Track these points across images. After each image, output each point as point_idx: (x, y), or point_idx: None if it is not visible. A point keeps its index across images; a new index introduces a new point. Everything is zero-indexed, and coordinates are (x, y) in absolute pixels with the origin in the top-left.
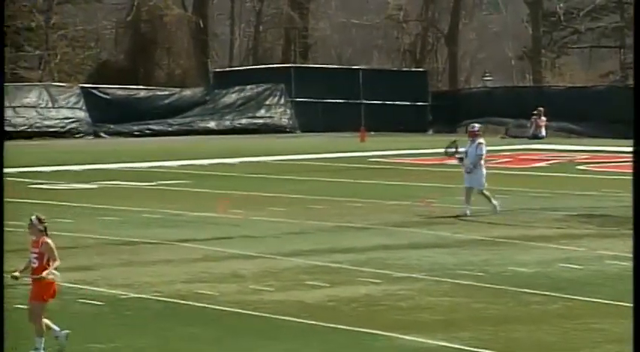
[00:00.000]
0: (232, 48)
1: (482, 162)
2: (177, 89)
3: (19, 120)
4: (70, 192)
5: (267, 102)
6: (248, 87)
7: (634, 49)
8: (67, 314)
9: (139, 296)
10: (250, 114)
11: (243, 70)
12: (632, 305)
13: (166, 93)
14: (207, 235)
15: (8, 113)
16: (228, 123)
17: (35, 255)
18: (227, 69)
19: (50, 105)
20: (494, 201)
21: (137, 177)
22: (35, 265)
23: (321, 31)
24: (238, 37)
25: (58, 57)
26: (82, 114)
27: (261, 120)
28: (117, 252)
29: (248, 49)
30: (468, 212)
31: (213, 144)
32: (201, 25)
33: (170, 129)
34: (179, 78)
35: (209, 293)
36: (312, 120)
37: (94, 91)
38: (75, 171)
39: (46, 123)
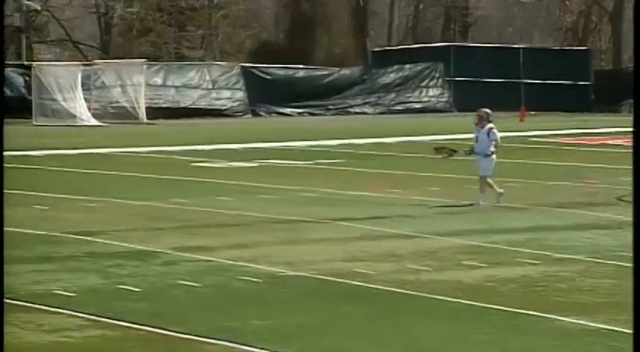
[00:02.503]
0: (391, 27)
1: (494, 148)
2: (336, 68)
3: (183, 97)
4: (230, 170)
5: (426, 82)
6: (406, 66)
7: (634, 49)
8: (229, 291)
9: (297, 273)
10: (408, 94)
11: (402, 49)
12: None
13: (325, 72)
14: (364, 214)
15: (170, 92)
16: (385, 102)
17: None
18: (385, 48)
19: (211, 85)
20: (499, 189)
21: (295, 156)
22: None
23: (482, 10)
24: (397, 15)
25: (220, 36)
26: (241, 94)
27: (418, 100)
28: (275, 230)
29: (407, 28)
30: (481, 202)
31: (371, 123)
32: (361, 4)
33: (328, 108)
34: (338, 57)
35: (366, 271)
36: (471, 99)
37: (254, 71)
38: (234, 150)
39: (207, 101)
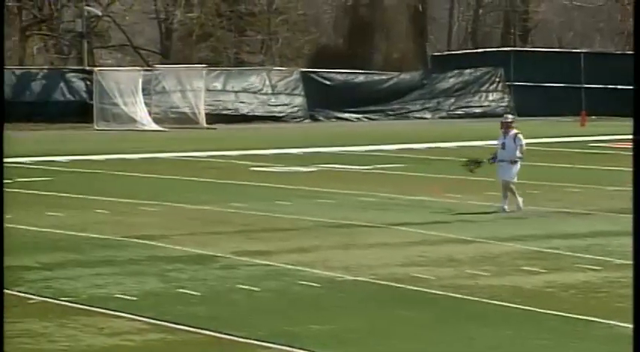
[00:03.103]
0: (451, 31)
1: (520, 154)
2: (395, 73)
3: (240, 105)
4: (289, 174)
5: (486, 87)
6: (466, 71)
7: (634, 49)
8: (288, 296)
9: (355, 278)
10: (468, 99)
11: (462, 53)
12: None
13: (384, 77)
14: (423, 219)
15: (230, 97)
16: (445, 107)
17: None
18: (445, 53)
19: (270, 90)
20: (519, 198)
21: (354, 161)
22: None
23: (542, 14)
24: (457, 20)
25: (279, 41)
26: (300, 99)
27: (478, 105)
28: (334, 234)
29: (467, 33)
30: (506, 207)
31: (430, 128)
32: (420, 9)
33: (387, 113)
34: (397, 62)
35: (425, 276)
36: (531, 104)
37: (313, 76)
38: (293, 155)
39: (266, 106)
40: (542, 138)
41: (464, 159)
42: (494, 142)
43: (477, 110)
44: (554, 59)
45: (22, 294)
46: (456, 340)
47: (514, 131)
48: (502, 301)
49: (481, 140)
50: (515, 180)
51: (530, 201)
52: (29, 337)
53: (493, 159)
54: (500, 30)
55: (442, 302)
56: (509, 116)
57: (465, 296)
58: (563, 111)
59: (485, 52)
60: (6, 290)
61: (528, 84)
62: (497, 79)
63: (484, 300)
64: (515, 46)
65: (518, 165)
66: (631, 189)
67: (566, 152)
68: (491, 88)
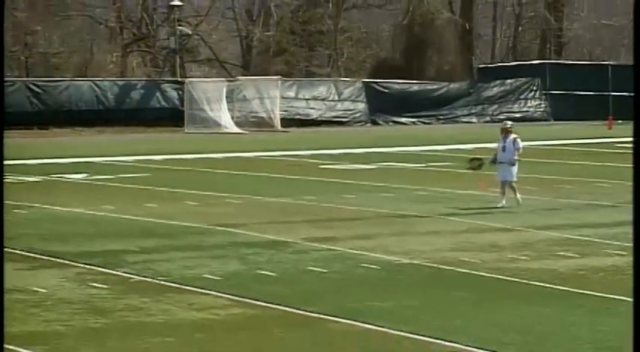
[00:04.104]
0: (494, 46)
1: (517, 156)
2: (445, 83)
3: (312, 108)
4: (353, 171)
5: (525, 94)
6: (508, 81)
7: (634, 49)
8: (352, 277)
9: (411, 262)
10: (509, 105)
11: (504, 66)
12: (632, 304)
13: (436, 87)
14: (469, 210)
15: (302, 103)
16: (489, 112)
17: None
18: (489, 65)
19: (336, 97)
20: (519, 195)
21: (409, 160)
22: None
23: (574, 31)
24: (499, 37)
25: (344, 56)
26: (362, 106)
27: (519, 110)
28: (392, 223)
29: (508, 48)
30: (504, 202)
31: (476, 130)
32: (467, 27)
33: (438, 118)
34: (447, 73)
35: (471, 260)
36: (565, 110)
37: (374, 85)
38: (356, 154)
39: (333, 112)
40: (574, 139)
41: (470, 157)
42: (533, 143)
43: (517, 115)
44: (585, 70)
45: (125, 274)
46: (500, 316)
47: (513, 135)
48: (539, 282)
49: (523, 141)
50: (516, 179)
51: (564, 194)
52: (130, 311)
53: (493, 160)
54: (538, 45)
55: (487, 283)
56: (509, 122)
57: (507, 278)
58: (592, 116)
59: (524, 64)
60: (110, 271)
61: (562, 92)
62: (535, 88)
63: (523, 281)
64: (550, 59)
65: (517, 166)
66: None
67: (596, 151)
68: (529, 95)
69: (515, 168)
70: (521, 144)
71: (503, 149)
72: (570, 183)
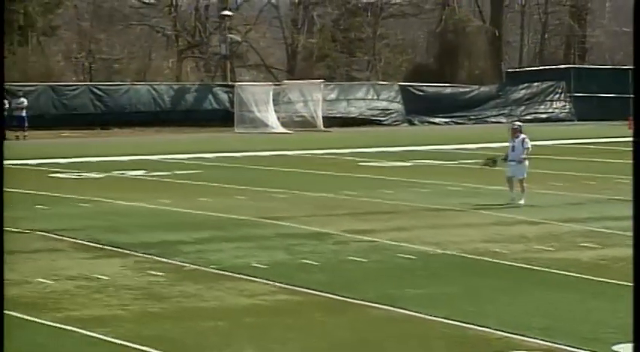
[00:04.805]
0: (522, 52)
1: (525, 155)
2: (476, 86)
3: (352, 109)
4: (390, 168)
5: (550, 97)
6: (534, 84)
7: (634, 50)
8: (389, 266)
9: (445, 252)
10: (536, 106)
11: (531, 70)
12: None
13: (467, 89)
14: (499, 204)
15: (342, 104)
16: (517, 113)
17: None
18: (517, 69)
19: (374, 99)
20: (524, 194)
21: (443, 157)
22: None
23: (597, 38)
24: (527, 43)
25: (382, 61)
26: (399, 107)
27: (544, 111)
28: (427, 216)
29: (535, 53)
30: (515, 197)
31: (505, 130)
32: (497, 34)
33: (470, 118)
34: (477, 77)
35: (501, 251)
36: (588, 111)
37: (409, 88)
38: (393, 152)
39: (371, 113)
40: (596, 138)
41: (486, 157)
42: (557, 142)
43: (543, 116)
44: (607, 74)
45: (179, 263)
46: (527, 302)
47: (522, 135)
48: (564, 271)
49: (546, 140)
50: (525, 176)
51: (588, 189)
52: (185, 296)
53: (505, 158)
54: (563, 51)
55: (515, 272)
56: (517, 123)
57: (534, 267)
58: (613, 117)
59: (549, 68)
60: (167, 260)
61: (585, 94)
62: (560, 91)
63: (549, 270)
64: (574, 64)
65: (526, 163)
66: None
67: (617, 150)
68: (554, 97)
69: (523, 166)
70: (530, 143)
71: (513, 149)
72: (593, 179)
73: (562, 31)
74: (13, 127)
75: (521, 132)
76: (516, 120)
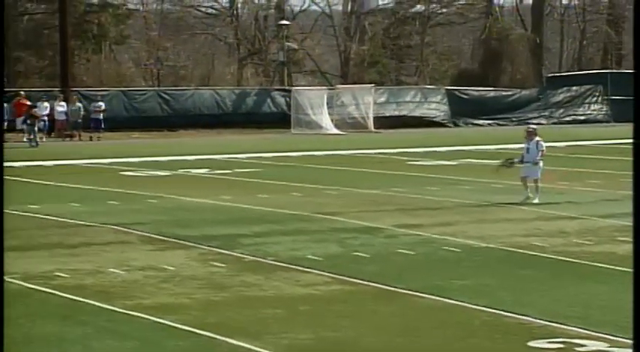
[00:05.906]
0: (561, 58)
1: (540, 156)
2: (518, 90)
3: (400, 113)
4: (437, 166)
5: (588, 100)
6: (573, 88)
7: (634, 50)
8: (435, 258)
9: (487, 245)
10: (575, 109)
11: (570, 74)
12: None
13: (509, 93)
14: (539, 200)
15: (392, 107)
16: (556, 115)
17: None
18: (557, 74)
19: (422, 102)
20: (538, 193)
21: (487, 156)
22: None
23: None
24: (566, 49)
25: (430, 66)
26: (445, 109)
27: (583, 113)
28: (471, 212)
29: (574, 59)
30: (530, 195)
31: (544, 132)
32: (537, 41)
33: (512, 120)
34: (519, 81)
35: (540, 244)
36: (625, 113)
37: (455, 92)
38: (440, 152)
39: (419, 114)
40: (630, 138)
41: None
42: (595, 142)
43: (581, 117)
44: None
45: (240, 255)
46: (566, 292)
47: (537, 138)
48: (601, 263)
49: (582, 140)
50: (539, 176)
51: (624, 186)
52: (244, 286)
53: (520, 160)
54: (600, 56)
55: (554, 264)
56: (532, 126)
57: (573, 260)
58: None
59: (588, 73)
60: (228, 252)
61: (622, 98)
62: (598, 94)
63: (587, 263)
64: (611, 69)
65: (541, 164)
66: None
67: None
68: (592, 100)
69: (538, 167)
70: (544, 145)
71: (528, 150)
72: (629, 177)
73: (599, 38)
74: (90, 129)
75: (535, 135)
76: (532, 124)
